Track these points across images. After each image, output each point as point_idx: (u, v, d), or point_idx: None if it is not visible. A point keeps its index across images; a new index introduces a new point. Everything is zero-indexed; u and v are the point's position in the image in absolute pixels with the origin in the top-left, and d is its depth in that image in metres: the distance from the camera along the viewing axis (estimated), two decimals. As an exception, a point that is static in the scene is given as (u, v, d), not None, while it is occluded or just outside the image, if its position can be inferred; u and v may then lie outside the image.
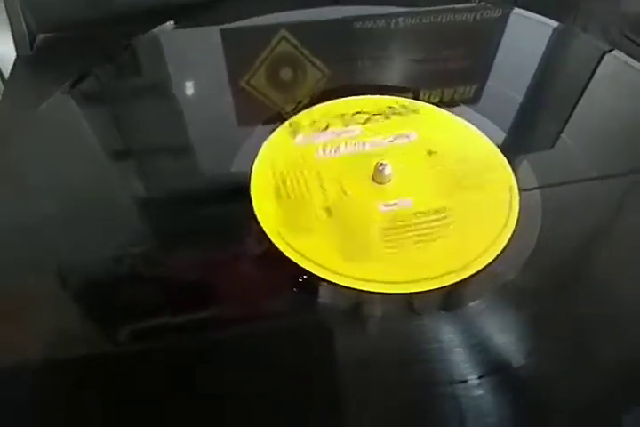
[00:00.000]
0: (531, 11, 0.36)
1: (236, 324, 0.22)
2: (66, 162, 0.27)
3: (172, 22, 0.34)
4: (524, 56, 0.34)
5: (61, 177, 0.26)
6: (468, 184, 0.26)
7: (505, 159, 0.28)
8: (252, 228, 0.24)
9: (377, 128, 0.29)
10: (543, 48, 0.34)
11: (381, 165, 0.26)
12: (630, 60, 0.32)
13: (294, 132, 0.29)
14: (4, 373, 0.20)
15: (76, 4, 0.35)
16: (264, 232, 0.24)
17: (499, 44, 0.35)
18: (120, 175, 0.28)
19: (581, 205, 0.26)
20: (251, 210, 0.25)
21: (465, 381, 0.20)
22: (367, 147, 0.28)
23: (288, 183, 0.26)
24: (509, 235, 0.24)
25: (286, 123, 0.29)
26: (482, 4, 0.37)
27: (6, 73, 0.34)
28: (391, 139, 0.28)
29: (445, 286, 0.23)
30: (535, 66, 0.33)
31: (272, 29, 0.34)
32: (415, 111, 0.30)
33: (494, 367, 0.20)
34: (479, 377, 0.20)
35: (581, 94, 0.31)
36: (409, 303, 0.22)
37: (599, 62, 0.33)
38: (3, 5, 0.34)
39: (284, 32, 0.34)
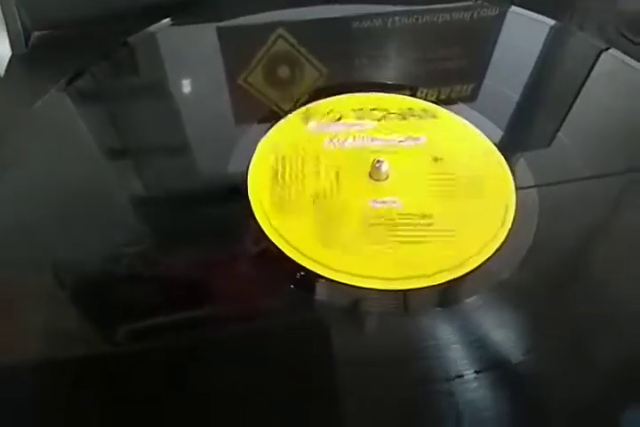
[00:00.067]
0: (527, 9, 0.36)
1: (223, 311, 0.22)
2: (61, 160, 0.27)
3: (168, 20, 0.34)
4: (521, 54, 0.34)
5: (57, 175, 0.26)
6: (467, 194, 0.26)
7: (502, 157, 0.28)
8: (243, 207, 0.25)
9: (390, 127, 0.29)
10: (540, 46, 0.34)
11: (378, 161, 0.26)
12: (627, 59, 0.32)
13: (307, 119, 0.29)
14: (1, 372, 0.20)
15: (72, 1, 0.35)
16: (252, 211, 0.25)
17: (496, 42, 0.35)
18: (116, 172, 0.28)
19: (578, 204, 0.26)
20: (245, 193, 0.26)
21: (461, 377, 0.20)
22: (374, 143, 0.28)
23: (287, 166, 0.27)
24: (506, 233, 0.24)
25: (303, 108, 0.30)
26: (479, 2, 0.37)
27: (1, 71, 0.34)
28: (401, 139, 0.28)
29: (439, 284, 0.23)
30: (532, 64, 0.33)
31: (269, 27, 0.34)
32: (434, 116, 0.30)
33: (490, 365, 0.20)
34: (475, 373, 0.20)
35: (578, 93, 0.31)
36: (385, 300, 0.23)
37: (596, 61, 0.33)
38: (-3, 3, 0.34)
39: (281, 30, 0.34)
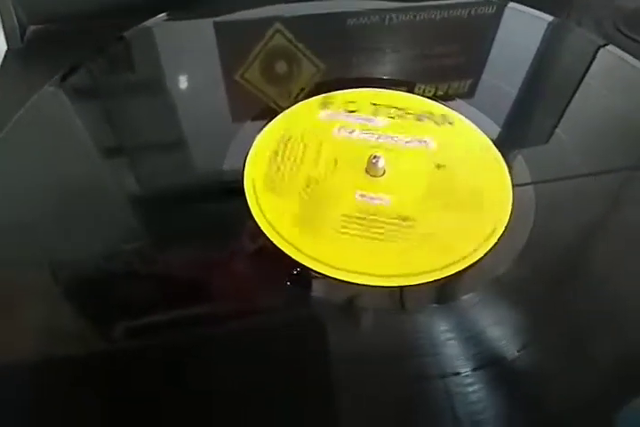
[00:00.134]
0: (525, 5, 0.35)
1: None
2: (56, 156, 0.27)
3: (164, 15, 0.34)
4: (519, 50, 0.34)
5: (52, 171, 0.26)
6: (462, 205, 0.25)
7: (499, 154, 0.28)
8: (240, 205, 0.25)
9: (403, 126, 0.29)
10: (538, 42, 0.34)
11: (375, 157, 0.26)
12: (625, 55, 0.32)
13: (324, 106, 0.30)
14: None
15: (68, -5, 0.35)
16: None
17: (493, 38, 0.35)
18: (113, 169, 0.28)
19: (575, 201, 0.26)
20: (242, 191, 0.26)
21: (458, 374, 0.20)
22: (381, 140, 0.28)
23: (289, 148, 0.27)
24: (502, 230, 0.24)
25: (321, 96, 0.30)
26: (477, -2, 0.37)
27: (-3, 65, 0.34)
28: (409, 140, 0.28)
29: (434, 281, 0.23)
30: (530, 60, 0.33)
31: (267, 22, 0.34)
32: (451, 123, 0.29)
33: (487, 362, 0.20)
34: (472, 371, 0.20)
35: (576, 89, 0.31)
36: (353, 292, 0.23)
37: (594, 57, 0.33)
38: (-8, -3, 0.34)
39: (278, 25, 0.34)
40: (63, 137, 0.28)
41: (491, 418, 0.19)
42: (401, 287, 0.22)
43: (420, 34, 0.36)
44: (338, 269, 0.23)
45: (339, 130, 0.28)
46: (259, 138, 0.28)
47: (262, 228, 0.24)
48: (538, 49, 0.34)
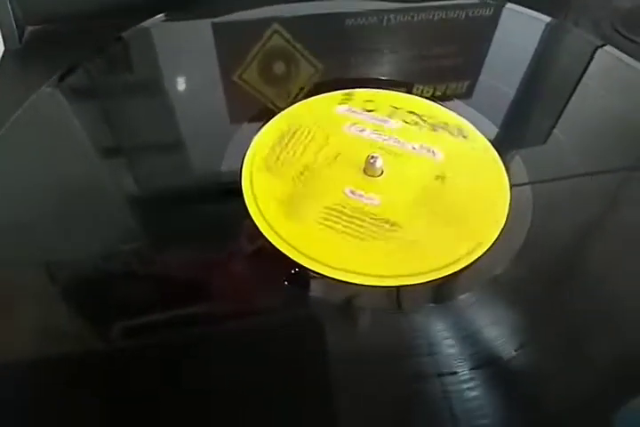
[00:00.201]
0: (523, 6, 0.36)
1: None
2: (54, 156, 0.27)
3: (162, 15, 0.34)
4: (517, 51, 0.34)
5: (50, 172, 0.26)
6: (449, 222, 0.25)
7: (497, 154, 0.28)
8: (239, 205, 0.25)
9: (416, 133, 0.28)
10: (536, 43, 0.34)
11: (372, 157, 0.26)
12: (622, 56, 0.32)
13: (344, 101, 0.30)
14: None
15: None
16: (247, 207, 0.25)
17: (491, 39, 0.35)
18: (111, 169, 0.28)
19: (573, 201, 0.26)
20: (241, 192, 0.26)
21: (455, 374, 0.20)
22: (389, 142, 0.28)
23: (296, 135, 0.28)
24: (499, 230, 0.24)
25: (343, 91, 0.30)
26: (475, -1, 0.37)
27: (-5, 66, 0.34)
28: (417, 147, 0.28)
29: (432, 281, 0.23)
30: (528, 61, 0.33)
31: (265, 23, 0.34)
32: (465, 137, 0.29)
33: (484, 361, 0.20)
34: (469, 370, 0.20)
35: (574, 89, 0.31)
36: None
37: (592, 57, 0.33)
38: (-10, -2, 0.34)
39: (276, 26, 0.34)
40: (61, 137, 0.28)
41: (488, 418, 0.19)
42: (398, 287, 0.22)
43: (418, 35, 0.36)
44: (311, 258, 0.23)
45: (350, 126, 0.29)
46: (273, 120, 0.29)
47: (260, 227, 0.24)
48: (535, 50, 0.34)
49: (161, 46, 0.33)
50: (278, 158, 0.27)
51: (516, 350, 0.20)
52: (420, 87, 0.31)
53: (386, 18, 0.35)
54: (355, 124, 0.29)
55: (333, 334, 0.21)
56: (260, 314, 0.22)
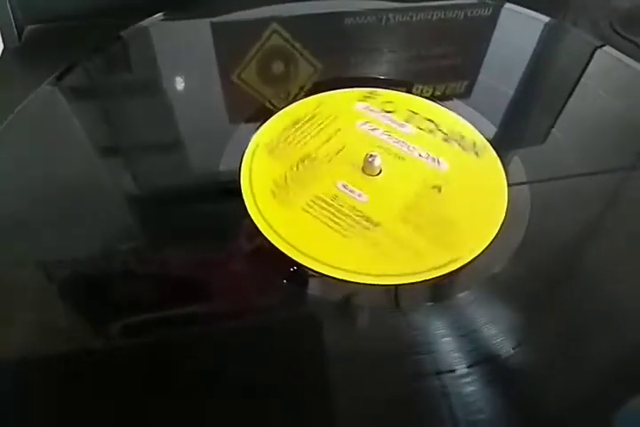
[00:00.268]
0: (521, 6, 0.36)
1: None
2: (53, 155, 0.27)
3: (161, 14, 0.34)
4: (516, 51, 0.34)
5: (48, 171, 0.26)
6: (429, 235, 0.24)
7: (495, 153, 0.28)
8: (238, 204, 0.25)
9: (427, 140, 0.28)
10: (534, 43, 0.34)
11: (371, 155, 0.26)
12: (621, 56, 0.32)
13: (365, 98, 0.30)
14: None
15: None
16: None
17: (490, 39, 0.35)
18: (110, 168, 0.28)
19: (570, 200, 0.26)
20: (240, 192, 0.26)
21: (453, 372, 0.20)
22: (397, 145, 0.28)
23: (309, 123, 0.28)
24: (497, 229, 0.24)
25: (367, 89, 0.31)
26: (474, -1, 0.37)
27: (-6, 65, 0.34)
28: (424, 155, 0.27)
29: (430, 279, 0.23)
30: (526, 61, 0.33)
31: (264, 23, 0.34)
32: (477, 154, 0.28)
33: (482, 359, 0.20)
34: (467, 368, 0.20)
35: (572, 89, 0.31)
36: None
37: (590, 58, 0.33)
38: (-11, -3, 0.34)
39: (275, 25, 0.34)
40: (60, 136, 0.28)
41: (487, 416, 0.19)
42: (396, 286, 0.22)
43: (417, 34, 0.36)
44: (291, 244, 0.24)
45: (364, 124, 0.29)
46: (293, 105, 0.30)
47: (259, 226, 0.24)
48: (534, 50, 0.34)
49: (160, 46, 0.33)
50: (285, 141, 0.28)
51: (514, 348, 0.20)
52: (420, 87, 0.31)
53: (385, 17, 0.35)
54: (368, 122, 0.29)
55: (330, 331, 0.21)
56: (259, 312, 0.22)
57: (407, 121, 0.29)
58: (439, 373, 0.20)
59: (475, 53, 0.34)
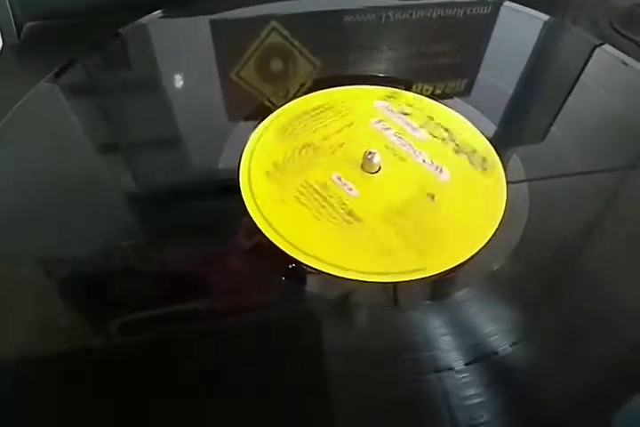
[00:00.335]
0: (521, 4, 0.36)
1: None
2: (52, 152, 0.27)
3: (160, 12, 0.34)
4: (515, 49, 0.34)
5: (48, 168, 0.26)
6: (411, 243, 0.24)
7: (494, 151, 0.28)
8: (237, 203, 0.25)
9: (437, 149, 0.28)
10: (534, 41, 0.34)
11: (370, 153, 0.26)
12: (620, 54, 0.32)
13: (387, 98, 0.30)
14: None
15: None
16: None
17: (489, 37, 0.35)
18: (106, 164, 0.28)
19: (569, 199, 0.26)
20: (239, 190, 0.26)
21: (451, 370, 0.20)
22: (404, 148, 0.28)
23: (322, 113, 0.29)
24: (495, 227, 0.24)
25: (391, 89, 0.31)
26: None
27: (-8, 62, 0.34)
28: (428, 162, 0.27)
29: (428, 277, 0.23)
30: (526, 59, 0.33)
31: (263, 20, 0.34)
32: (484, 170, 0.27)
33: (480, 357, 0.20)
34: (466, 366, 0.20)
35: (572, 88, 0.31)
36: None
37: (590, 56, 0.33)
38: (-12, -6, 0.34)
39: (274, 23, 0.34)
40: (58, 133, 0.28)
41: (486, 414, 0.19)
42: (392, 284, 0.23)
43: (416, 32, 0.36)
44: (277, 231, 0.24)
45: (378, 122, 0.29)
46: (318, 93, 0.30)
47: (258, 223, 0.24)
48: (534, 48, 0.34)
49: (158, 43, 0.33)
50: (299, 124, 0.28)
51: (512, 347, 0.21)
52: (420, 85, 0.31)
53: (384, 15, 0.35)
54: (383, 121, 0.29)
55: (322, 328, 0.21)
56: (258, 309, 0.22)
57: (422, 126, 0.29)
58: (438, 371, 0.20)
59: (474, 52, 0.34)
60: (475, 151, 0.28)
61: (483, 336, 0.21)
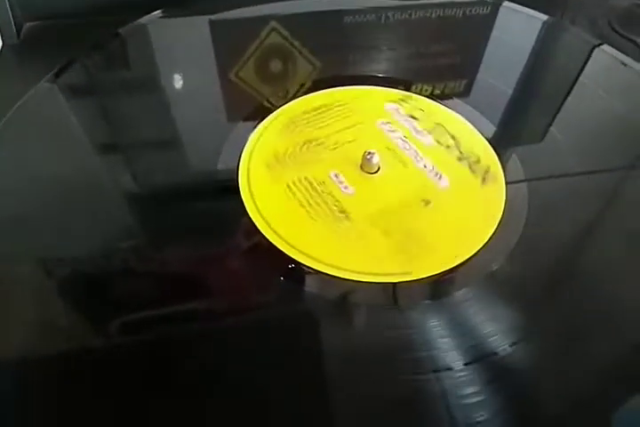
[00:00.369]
0: (520, 4, 0.36)
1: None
2: (51, 152, 0.27)
3: (160, 12, 0.34)
4: (514, 49, 0.34)
5: (47, 168, 0.26)
6: (400, 248, 0.24)
7: (493, 151, 0.28)
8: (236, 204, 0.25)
9: (439, 155, 0.28)
10: (533, 42, 0.34)
11: (369, 153, 0.26)
12: (619, 54, 0.32)
13: (399, 100, 0.30)
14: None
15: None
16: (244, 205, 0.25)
17: (488, 37, 0.35)
18: (106, 164, 0.28)
19: (568, 199, 0.26)
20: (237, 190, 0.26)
21: (450, 369, 0.20)
22: (406, 151, 0.27)
23: (330, 110, 0.29)
24: (494, 228, 0.24)
25: (404, 92, 0.31)
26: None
27: (-8, 62, 0.34)
28: (429, 167, 0.27)
29: (425, 278, 0.23)
30: (525, 59, 0.33)
31: (262, 20, 0.34)
32: (484, 181, 0.26)
33: (480, 357, 0.20)
34: (465, 366, 0.20)
35: (571, 88, 0.31)
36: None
37: (589, 56, 0.33)
38: (-13, -6, 0.34)
39: (274, 23, 0.34)
40: (58, 133, 0.28)
41: (485, 414, 0.19)
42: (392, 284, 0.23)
43: (416, 33, 0.36)
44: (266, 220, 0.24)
45: (385, 123, 0.29)
46: (325, 91, 0.31)
47: (257, 224, 0.24)
48: (533, 48, 0.34)
49: (158, 43, 0.33)
50: (306, 119, 0.28)
51: (512, 347, 0.21)
52: (419, 85, 0.31)
53: (384, 15, 0.35)
54: (390, 123, 0.29)
55: (321, 328, 0.21)
56: (257, 309, 0.22)
57: (429, 132, 0.29)
58: (437, 370, 0.20)
59: (473, 52, 0.34)
60: (478, 160, 0.27)
61: (482, 336, 0.21)
